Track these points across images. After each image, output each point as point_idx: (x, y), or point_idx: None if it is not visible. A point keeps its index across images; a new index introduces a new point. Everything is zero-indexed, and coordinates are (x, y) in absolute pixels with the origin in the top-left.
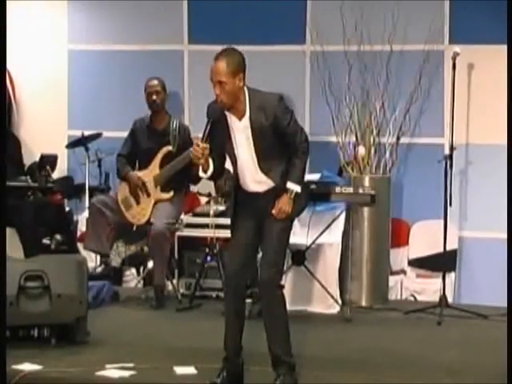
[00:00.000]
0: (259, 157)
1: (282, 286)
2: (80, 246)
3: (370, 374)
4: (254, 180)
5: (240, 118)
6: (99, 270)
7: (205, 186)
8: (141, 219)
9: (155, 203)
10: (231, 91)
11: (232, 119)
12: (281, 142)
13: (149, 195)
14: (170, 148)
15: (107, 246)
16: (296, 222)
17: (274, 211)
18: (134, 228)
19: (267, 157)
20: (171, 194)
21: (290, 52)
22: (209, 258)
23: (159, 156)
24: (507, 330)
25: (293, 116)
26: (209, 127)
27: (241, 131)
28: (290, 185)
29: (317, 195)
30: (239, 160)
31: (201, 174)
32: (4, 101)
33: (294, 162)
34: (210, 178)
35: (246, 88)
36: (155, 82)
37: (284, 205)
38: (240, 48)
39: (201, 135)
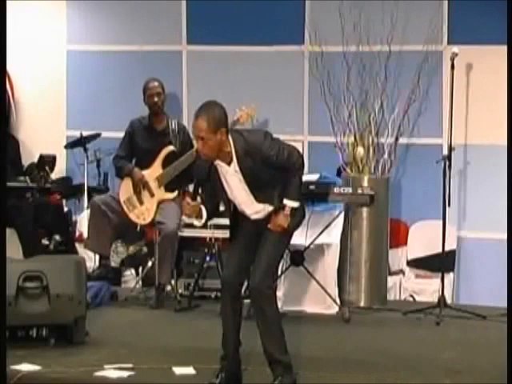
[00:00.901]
0: (255, 193)
1: (273, 287)
2: (78, 246)
3: (368, 375)
4: (255, 212)
5: (228, 163)
6: (98, 270)
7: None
8: (145, 219)
9: (159, 203)
10: (213, 146)
11: (221, 165)
12: (274, 172)
13: (152, 195)
14: (171, 148)
15: (108, 247)
16: None
17: (270, 226)
18: (138, 228)
19: (262, 190)
20: (175, 193)
21: (288, 52)
22: (208, 259)
23: (161, 156)
24: (507, 330)
25: (279, 147)
26: (196, 186)
27: (232, 175)
28: (287, 201)
29: (315, 195)
30: (236, 201)
31: (195, 222)
32: (4, 101)
33: (289, 179)
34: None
35: (230, 136)
36: (156, 83)
37: (280, 220)
38: (238, 49)
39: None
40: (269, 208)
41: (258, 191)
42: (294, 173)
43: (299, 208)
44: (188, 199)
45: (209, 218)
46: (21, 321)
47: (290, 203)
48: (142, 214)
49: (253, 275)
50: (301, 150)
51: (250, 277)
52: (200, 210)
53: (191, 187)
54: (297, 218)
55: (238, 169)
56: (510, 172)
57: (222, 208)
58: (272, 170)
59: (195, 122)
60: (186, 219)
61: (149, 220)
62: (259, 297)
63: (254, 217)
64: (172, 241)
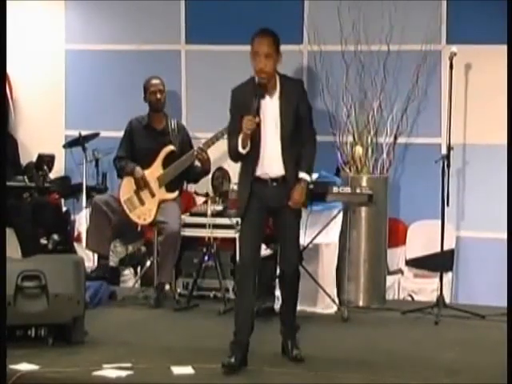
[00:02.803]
0: (282, 136)
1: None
2: (77, 245)
3: (367, 374)
4: (273, 159)
5: (271, 94)
6: (97, 269)
7: (202, 185)
8: (146, 219)
9: (160, 203)
10: (274, 66)
11: (265, 97)
12: (296, 133)
13: (153, 195)
14: (171, 148)
15: (108, 247)
16: None
17: (290, 203)
18: (139, 228)
19: (287, 139)
20: (176, 193)
21: (287, 52)
22: (206, 258)
23: (161, 156)
24: (507, 330)
25: (311, 108)
26: (257, 101)
27: (269, 108)
28: (303, 175)
29: (314, 195)
30: (264, 138)
31: (240, 149)
32: (4, 101)
33: (306, 151)
34: (244, 155)
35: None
36: (158, 81)
37: (299, 195)
38: (237, 48)
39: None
40: (281, 169)
41: (286, 136)
42: (311, 145)
43: (308, 186)
44: (249, 116)
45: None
46: (19, 320)
47: (306, 176)
48: (143, 214)
49: (289, 261)
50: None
51: (286, 262)
52: (254, 130)
53: (188, 187)
54: (307, 195)
55: (277, 101)
56: (510, 172)
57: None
58: (297, 127)
59: (263, 39)
60: (184, 218)
61: (150, 220)
62: (297, 278)
63: (267, 168)
64: (175, 240)
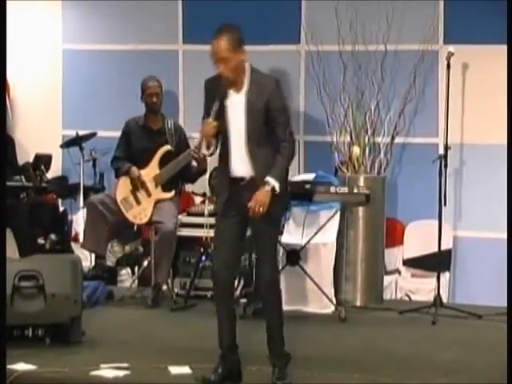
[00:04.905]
0: (248, 135)
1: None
2: (74, 245)
3: (364, 374)
4: (240, 159)
5: (238, 90)
6: (94, 269)
7: (199, 185)
8: (142, 219)
9: (156, 203)
10: (235, 66)
11: (230, 93)
12: (268, 130)
13: (149, 195)
14: (168, 147)
15: (105, 246)
16: (291, 222)
17: (250, 203)
18: (135, 228)
19: (255, 139)
20: (172, 193)
21: (284, 52)
22: (203, 258)
23: (158, 156)
24: (507, 330)
25: (286, 110)
26: (217, 105)
27: (235, 106)
28: (270, 179)
29: (312, 195)
30: (230, 137)
31: (204, 151)
32: (4, 101)
33: (277, 158)
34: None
35: (248, 64)
36: (155, 83)
37: (261, 197)
38: None
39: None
40: (250, 170)
41: (251, 138)
42: (284, 151)
43: (282, 196)
44: (208, 120)
45: (215, 149)
46: (17, 320)
47: (272, 182)
48: (138, 213)
49: (263, 272)
50: (297, 150)
51: (261, 273)
52: (214, 134)
53: (185, 186)
54: (280, 205)
55: (244, 98)
56: (510, 172)
57: None
58: (268, 124)
59: (215, 44)
60: (179, 218)
61: (146, 220)
62: (273, 291)
63: (236, 170)
64: (170, 240)
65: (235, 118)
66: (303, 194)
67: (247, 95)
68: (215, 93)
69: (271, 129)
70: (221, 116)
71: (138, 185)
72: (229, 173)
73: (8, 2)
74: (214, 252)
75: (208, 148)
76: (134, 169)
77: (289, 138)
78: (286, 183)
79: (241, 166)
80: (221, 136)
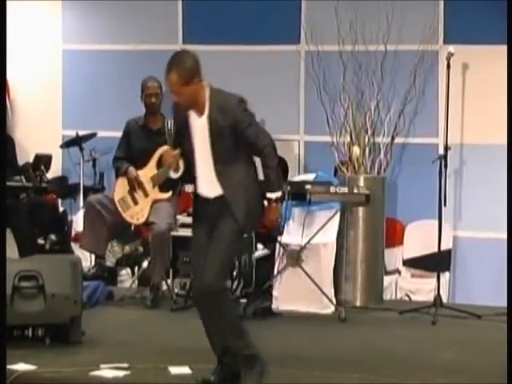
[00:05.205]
0: (215, 157)
1: (226, 288)
2: (74, 245)
3: (364, 374)
4: (207, 181)
5: (200, 115)
6: (94, 269)
7: None
8: (139, 219)
9: (153, 203)
10: (189, 97)
11: (192, 117)
12: (239, 147)
13: (147, 195)
14: (166, 148)
15: (104, 246)
16: (291, 222)
17: (265, 223)
18: (132, 228)
19: (223, 159)
20: (170, 193)
21: (284, 52)
22: None
23: (156, 156)
24: (507, 330)
25: (253, 119)
26: (174, 132)
27: (199, 129)
28: (270, 195)
29: (311, 195)
30: (197, 159)
31: (172, 175)
32: (4, 101)
33: (265, 173)
34: (180, 178)
35: (207, 87)
36: (155, 84)
37: (273, 215)
38: (234, 48)
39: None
40: (220, 189)
41: (219, 159)
42: (268, 163)
43: (254, 208)
44: (168, 148)
45: (185, 171)
46: (17, 320)
47: (273, 195)
48: (136, 213)
49: (203, 273)
50: (297, 150)
51: (200, 275)
52: (178, 160)
53: (185, 187)
54: (251, 216)
55: (206, 122)
56: (510, 172)
57: None
58: (238, 143)
59: (167, 77)
60: (179, 218)
61: (143, 220)
62: (211, 297)
63: (205, 191)
64: (162, 241)
65: (200, 141)
66: (303, 194)
67: (209, 117)
68: (177, 117)
69: (242, 146)
70: (185, 140)
71: (135, 185)
72: (197, 192)
73: (8, 2)
74: (192, 263)
75: (176, 171)
76: (132, 169)
77: (266, 142)
78: (260, 192)
79: (208, 186)
80: (189, 157)
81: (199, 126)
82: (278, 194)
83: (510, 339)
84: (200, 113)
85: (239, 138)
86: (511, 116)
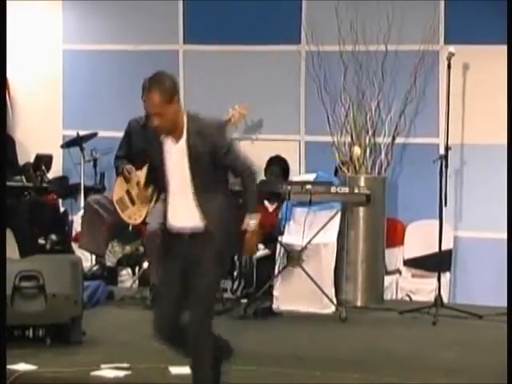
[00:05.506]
0: (195, 185)
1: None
2: (75, 245)
3: (365, 374)
4: (184, 210)
5: (177, 141)
6: (94, 269)
7: None
8: (137, 219)
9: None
10: (170, 118)
11: (168, 144)
12: (218, 175)
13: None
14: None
15: (103, 246)
16: (291, 222)
17: (245, 252)
18: (131, 228)
19: (203, 187)
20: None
21: (285, 52)
22: None
23: None
24: (507, 329)
25: (232, 145)
26: (149, 172)
27: (176, 156)
28: (251, 222)
29: (312, 195)
30: (171, 189)
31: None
32: (4, 101)
33: (244, 195)
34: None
35: (185, 112)
36: None
37: (252, 242)
38: (235, 48)
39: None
40: (197, 220)
41: (197, 186)
42: (249, 182)
43: (232, 239)
44: (140, 187)
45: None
46: (17, 320)
47: (253, 222)
48: (133, 213)
49: (192, 313)
50: (297, 150)
51: (189, 313)
52: (147, 197)
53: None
54: (228, 246)
55: (185, 147)
56: (510, 172)
57: None
58: (217, 169)
59: (148, 96)
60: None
61: (140, 220)
62: (198, 338)
63: (180, 222)
64: (153, 241)
65: (177, 169)
66: (304, 194)
67: (188, 142)
68: (153, 144)
69: (221, 173)
70: (157, 167)
71: (133, 185)
72: (171, 231)
73: (8, 2)
74: (157, 297)
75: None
76: (129, 167)
77: (246, 166)
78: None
79: (185, 216)
80: (163, 185)
81: (176, 153)
82: (255, 221)
83: (510, 339)
84: (177, 138)
85: (218, 164)
86: (511, 116)
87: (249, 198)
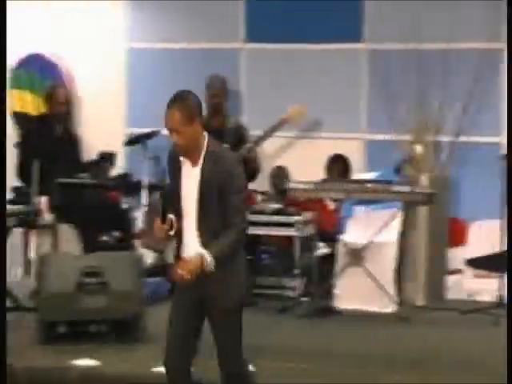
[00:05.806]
0: (199, 212)
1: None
2: (137, 242)
3: (424, 374)
4: (192, 242)
5: (193, 164)
6: (156, 266)
7: (261, 183)
8: None
9: None
10: (189, 138)
11: (186, 166)
12: (220, 214)
13: None
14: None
15: (164, 244)
16: (352, 221)
17: (178, 269)
18: None
19: (205, 218)
20: None
21: (346, 50)
22: (263, 256)
23: None
24: (507, 329)
25: (241, 187)
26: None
27: (191, 180)
28: (207, 255)
29: (373, 194)
30: (184, 211)
31: (169, 233)
32: (5, 101)
33: (219, 241)
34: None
35: (206, 136)
36: (219, 85)
37: (190, 265)
38: (296, 46)
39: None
40: (199, 248)
41: (202, 216)
42: (231, 238)
43: (240, 281)
44: (158, 222)
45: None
46: (80, 316)
47: (207, 256)
48: None
49: (226, 364)
50: (358, 149)
51: (223, 366)
52: (166, 230)
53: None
54: (237, 292)
55: (199, 172)
56: (510, 172)
57: None
58: (220, 208)
59: (168, 114)
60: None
61: None
62: (240, 380)
63: (186, 248)
64: None
65: (189, 194)
66: (364, 193)
67: (202, 171)
68: (172, 165)
69: (223, 213)
70: (174, 189)
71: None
72: (180, 255)
73: (74, 2)
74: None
75: (171, 229)
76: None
77: (239, 224)
78: (239, 268)
79: (190, 245)
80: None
81: (192, 178)
82: (209, 258)
83: (510, 339)
84: (194, 162)
85: (220, 203)
86: (511, 116)
87: (223, 246)
